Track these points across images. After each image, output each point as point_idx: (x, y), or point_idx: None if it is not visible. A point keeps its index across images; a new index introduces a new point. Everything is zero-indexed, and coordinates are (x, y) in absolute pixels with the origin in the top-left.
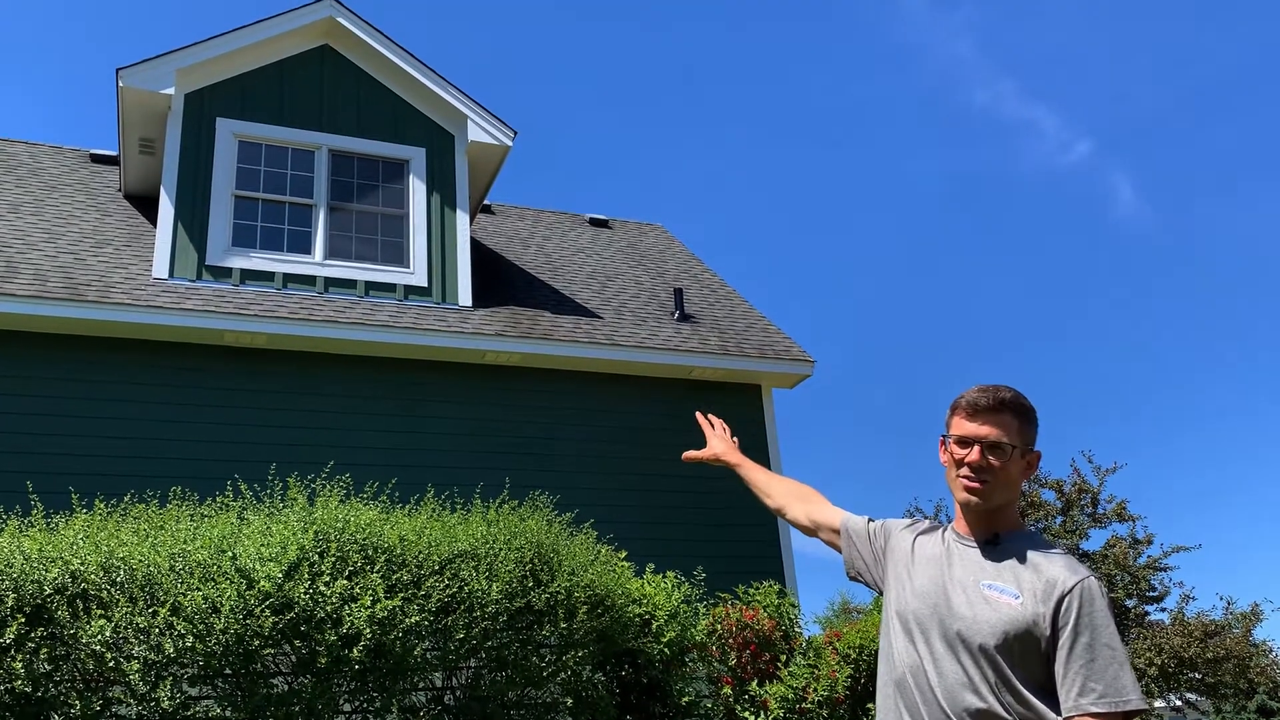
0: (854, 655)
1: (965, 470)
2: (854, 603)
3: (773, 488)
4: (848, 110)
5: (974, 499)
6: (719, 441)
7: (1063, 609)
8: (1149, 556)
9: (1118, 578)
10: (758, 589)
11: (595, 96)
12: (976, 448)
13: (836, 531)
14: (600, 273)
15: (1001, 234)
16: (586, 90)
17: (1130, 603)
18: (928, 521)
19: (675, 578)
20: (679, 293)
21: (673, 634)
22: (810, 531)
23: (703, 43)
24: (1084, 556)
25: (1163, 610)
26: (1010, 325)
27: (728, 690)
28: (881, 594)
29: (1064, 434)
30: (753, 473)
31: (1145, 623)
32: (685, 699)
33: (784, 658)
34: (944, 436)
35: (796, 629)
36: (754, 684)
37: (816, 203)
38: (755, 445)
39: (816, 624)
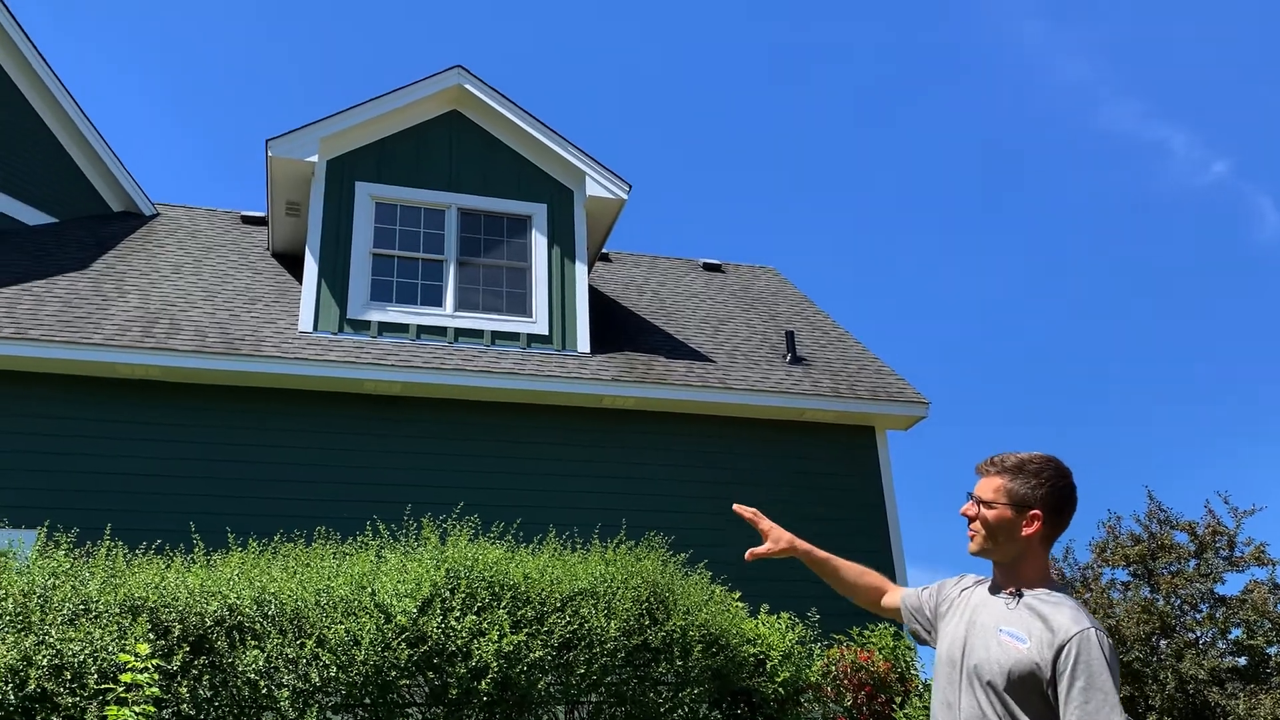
0: None
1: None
2: None
3: (843, 578)
4: (962, 139)
5: (969, 546)
6: (780, 533)
7: (1062, 655)
8: None
9: (1258, 624)
10: (873, 631)
11: (711, 141)
12: (969, 502)
13: (899, 610)
14: (713, 317)
15: (1134, 260)
16: (703, 136)
17: (1272, 650)
18: (974, 576)
19: (789, 618)
20: (790, 335)
21: (787, 674)
22: (881, 613)
23: (812, 84)
24: (1220, 602)
25: None
26: (1145, 354)
27: None
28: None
29: (1197, 471)
30: (823, 562)
31: None
32: None
33: (899, 699)
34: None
35: (913, 671)
36: None
37: (933, 236)
38: (870, 488)
39: None
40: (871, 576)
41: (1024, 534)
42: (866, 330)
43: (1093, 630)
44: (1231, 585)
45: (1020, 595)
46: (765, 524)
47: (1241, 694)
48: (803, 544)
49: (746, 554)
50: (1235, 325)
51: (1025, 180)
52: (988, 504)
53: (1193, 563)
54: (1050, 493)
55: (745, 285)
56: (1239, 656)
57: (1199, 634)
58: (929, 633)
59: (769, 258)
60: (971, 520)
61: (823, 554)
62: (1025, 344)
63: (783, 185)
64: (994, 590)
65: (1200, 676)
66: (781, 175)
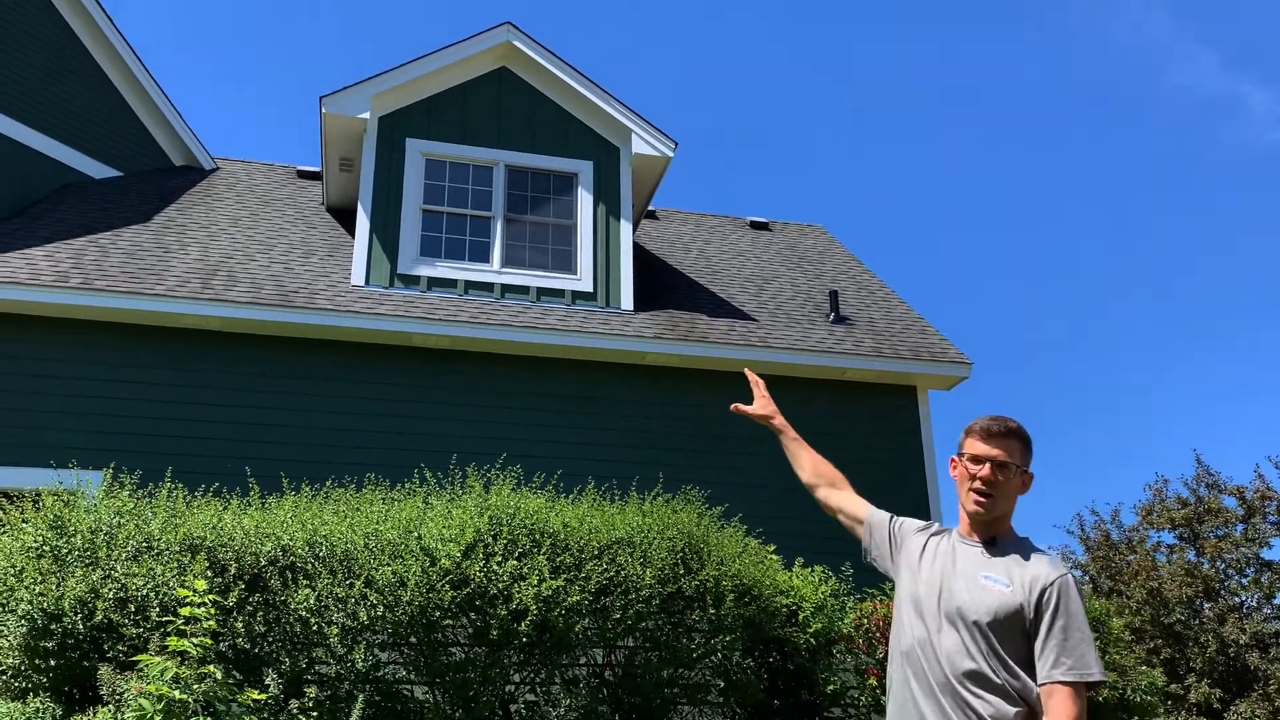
0: None
1: (977, 484)
2: None
3: (808, 463)
4: (1022, 96)
5: (981, 509)
6: (769, 404)
7: (1044, 599)
8: None
9: None
10: None
11: (769, 97)
12: (988, 465)
13: (860, 522)
14: (758, 275)
15: (1198, 221)
16: (760, 91)
17: None
18: (936, 525)
19: (823, 572)
20: (834, 294)
21: (819, 625)
22: (831, 512)
23: (866, 37)
24: (1265, 566)
25: None
26: (1208, 317)
27: (873, 681)
28: (890, 580)
29: (1250, 436)
30: (793, 443)
31: None
32: (830, 687)
33: None
34: (957, 456)
35: None
36: None
37: (988, 195)
38: (910, 447)
39: None
40: (829, 469)
41: (1021, 493)
42: (917, 290)
43: (1069, 576)
44: (1278, 549)
45: (995, 544)
46: (761, 391)
47: None
48: (782, 420)
49: (731, 406)
50: None
51: (1094, 136)
52: (1017, 468)
53: (1240, 527)
54: (1031, 454)
55: (792, 244)
56: None
57: (1243, 598)
58: (888, 560)
59: (822, 217)
60: (992, 484)
61: (795, 435)
62: (1078, 303)
63: (841, 144)
64: (971, 540)
65: (1242, 641)
66: (840, 134)
